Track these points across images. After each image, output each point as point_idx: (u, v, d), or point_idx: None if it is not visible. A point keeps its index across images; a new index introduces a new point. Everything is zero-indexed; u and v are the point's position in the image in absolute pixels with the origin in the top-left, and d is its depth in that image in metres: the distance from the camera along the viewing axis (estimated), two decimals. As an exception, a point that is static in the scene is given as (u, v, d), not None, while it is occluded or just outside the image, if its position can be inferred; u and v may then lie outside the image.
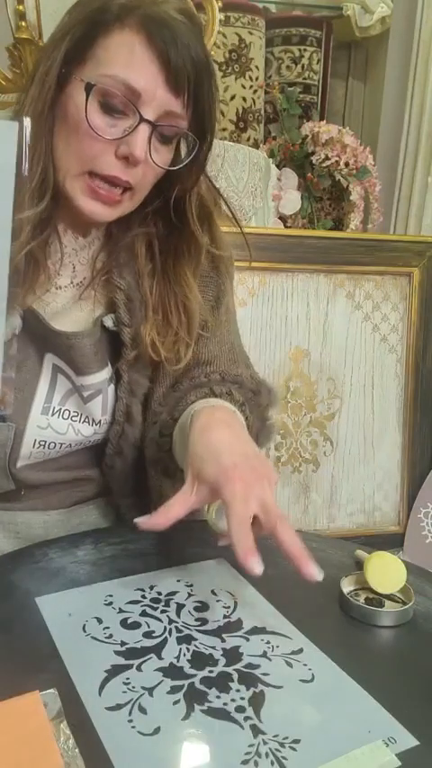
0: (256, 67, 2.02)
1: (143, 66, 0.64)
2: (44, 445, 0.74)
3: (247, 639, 0.57)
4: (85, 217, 0.70)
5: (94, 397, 0.75)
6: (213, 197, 0.79)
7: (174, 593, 0.63)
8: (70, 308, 0.75)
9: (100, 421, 0.76)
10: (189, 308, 0.76)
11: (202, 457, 0.59)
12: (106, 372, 0.76)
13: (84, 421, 0.75)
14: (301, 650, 0.56)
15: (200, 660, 0.53)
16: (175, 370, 0.77)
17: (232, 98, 1.98)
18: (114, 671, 0.51)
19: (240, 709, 0.48)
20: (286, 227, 1.85)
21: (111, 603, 0.60)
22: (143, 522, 0.57)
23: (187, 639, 0.56)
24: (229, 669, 0.53)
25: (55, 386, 0.74)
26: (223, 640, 0.56)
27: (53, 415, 0.73)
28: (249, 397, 0.77)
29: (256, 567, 0.52)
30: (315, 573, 0.53)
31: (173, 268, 0.77)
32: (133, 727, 0.46)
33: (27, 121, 0.46)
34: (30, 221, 0.67)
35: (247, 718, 0.47)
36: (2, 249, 0.48)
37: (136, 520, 0.57)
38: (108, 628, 0.57)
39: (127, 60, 0.64)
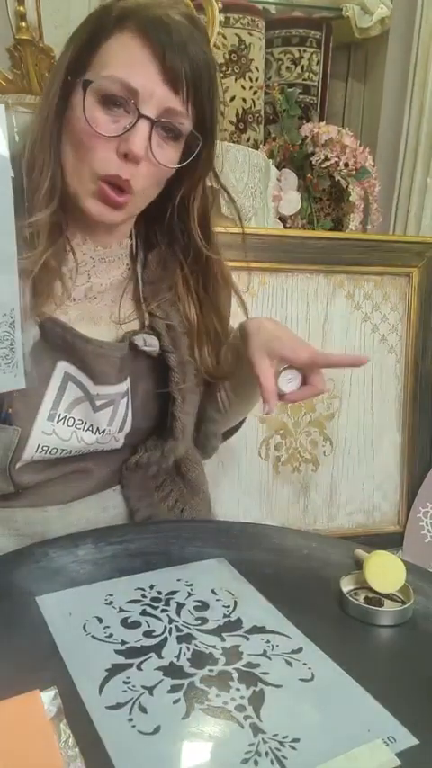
0: (256, 68, 2.01)
1: (140, 66, 0.66)
2: (46, 450, 0.74)
3: (247, 639, 0.57)
4: (91, 219, 0.72)
5: (105, 407, 0.76)
6: (211, 201, 0.82)
7: (174, 592, 0.63)
8: (83, 319, 0.76)
9: (104, 431, 0.77)
10: (221, 333, 0.85)
11: (271, 340, 0.75)
12: (124, 386, 0.78)
13: (87, 429, 0.76)
14: (300, 649, 0.56)
15: (200, 659, 0.54)
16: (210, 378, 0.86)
17: (232, 99, 1.97)
18: (115, 670, 0.52)
19: (240, 708, 0.48)
20: (286, 227, 1.85)
21: (111, 603, 0.61)
22: (270, 409, 0.72)
23: (187, 639, 0.56)
24: (229, 668, 0.53)
25: (63, 393, 0.74)
26: (223, 639, 0.56)
27: (59, 421, 0.74)
28: None
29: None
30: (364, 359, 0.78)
31: (215, 299, 0.84)
32: (133, 726, 0.46)
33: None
34: (44, 228, 0.68)
35: (247, 717, 0.47)
36: (7, 246, 0.49)
37: (266, 412, 0.72)
38: (108, 627, 0.57)
39: (125, 61, 0.66)
